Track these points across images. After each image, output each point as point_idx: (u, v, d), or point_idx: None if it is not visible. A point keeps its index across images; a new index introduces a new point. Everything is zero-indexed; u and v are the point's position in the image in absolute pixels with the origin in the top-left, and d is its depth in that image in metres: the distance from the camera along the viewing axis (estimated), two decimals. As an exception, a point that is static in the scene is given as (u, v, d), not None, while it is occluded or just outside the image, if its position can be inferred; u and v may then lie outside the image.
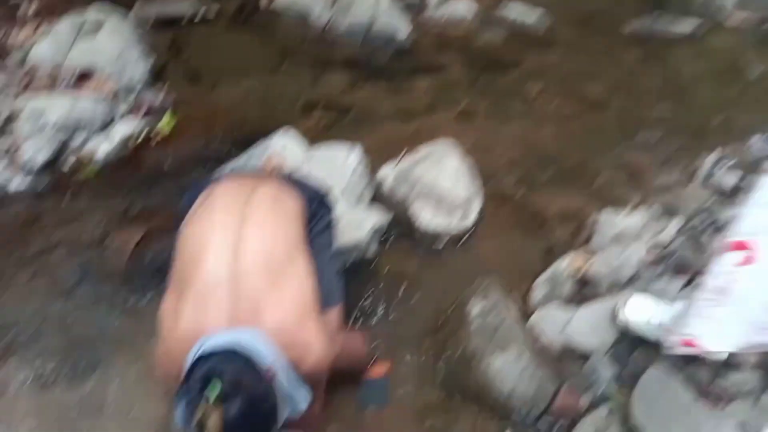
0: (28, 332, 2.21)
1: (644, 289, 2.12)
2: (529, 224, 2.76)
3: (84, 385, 2.05)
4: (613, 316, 2.05)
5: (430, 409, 2.09)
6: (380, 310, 2.38)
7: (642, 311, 1.97)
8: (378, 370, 2.16)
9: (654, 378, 1.88)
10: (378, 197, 2.74)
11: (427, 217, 2.59)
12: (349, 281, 2.40)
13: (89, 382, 2.07)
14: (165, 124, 3.15)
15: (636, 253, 2.31)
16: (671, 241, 2.43)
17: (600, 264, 2.33)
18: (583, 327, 2.09)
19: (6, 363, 2.11)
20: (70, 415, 1.98)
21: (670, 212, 2.61)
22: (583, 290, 2.29)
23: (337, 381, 1.83)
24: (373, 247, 2.47)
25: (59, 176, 2.86)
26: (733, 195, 2.66)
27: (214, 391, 1.27)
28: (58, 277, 2.42)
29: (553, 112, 3.45)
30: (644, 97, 3.56)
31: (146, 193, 2.79)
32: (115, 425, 1.95)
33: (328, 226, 1.83)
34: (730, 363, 1.86)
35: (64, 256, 2.51)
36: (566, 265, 2.37)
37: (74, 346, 2.18)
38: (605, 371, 1.96)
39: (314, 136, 2.97)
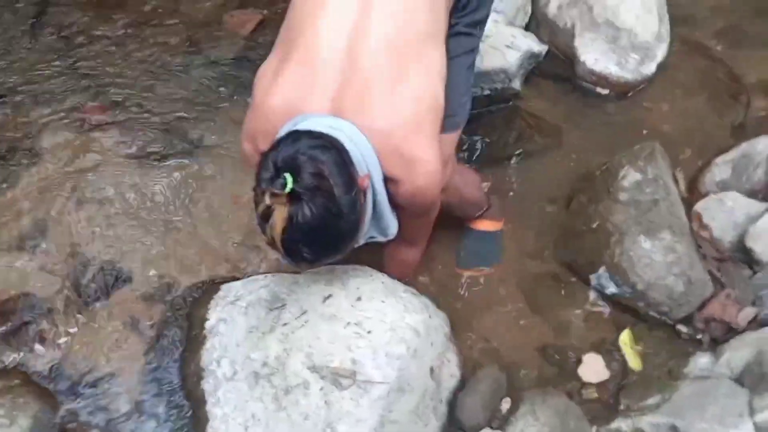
0: (131, 103, 2.07)
1: None
2: (722, 89, 2.16)
3: (177, 168, 1.91)
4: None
5: (539, 284, 1.76)
6: (508, 157, 1.99)
7: None
8: (489, 224, 1.84)
9: None
10: (537, 20, 2.22)
11: (595, 55, 2.06)
12: (480, 114, 2.04)
13: (184, 165, 1.92)
14: None
15: None
16: None
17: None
18: (769, 229, 1.61)
19: (107, 131, 2.00)
20: (164, 192, 1.86)
21: None
22: (780, 184, 1.77)
23: (437, 225, 1.53)
24: (518, 80, 2.03)
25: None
26: None
27: (291, 178, 1.01)
28: (168, 53, 2.22)
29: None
30: None
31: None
32: (201, 221, 1.82)
33: (477, 26, 1.39)
34: None
35: (177, 30, 2.29)
36: (765, 146, 1.82)
37: (175, 126, 2.03)
38: (784, 288, 1.53)
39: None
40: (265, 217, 1.04)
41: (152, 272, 1.69)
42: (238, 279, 1.60)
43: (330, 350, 1.31)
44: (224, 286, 1.55)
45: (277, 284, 1.47)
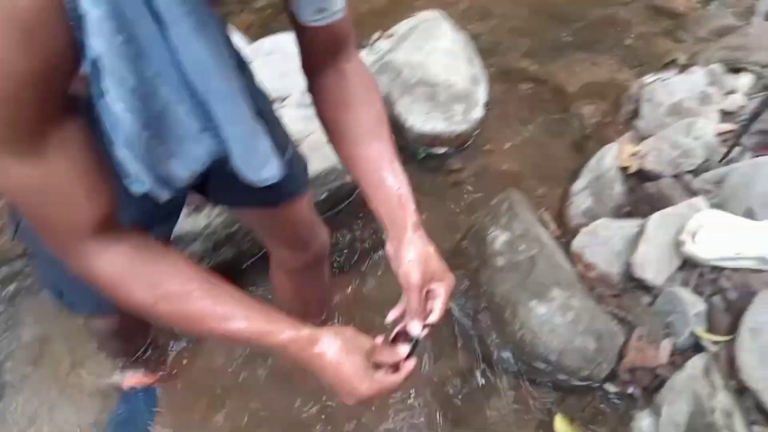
0: None
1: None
2: (550, 107, 2.13)
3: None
4: (677, 243, 1.47)
5: (455, 380, 1.56)
6: (364, 255, 1.79)
7: (720, 241, 1.39)
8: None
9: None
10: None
11: (419, 118, 1.93)
12: (326, 219, 1.82)
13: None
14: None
15: (704, 129, 1.69)
16: (744, 107, 1.82)
17: (657, 152, 1.72)
18: (650, 249, 1.51)
19: None
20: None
21: (732, 66, 1.97)
22: (639, 191, 1.70)
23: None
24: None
25: None
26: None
27: None
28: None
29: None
30: None
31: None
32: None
33: None
34: None
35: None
36: (611, 160, 1.76)
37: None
38: (689, 307, 1.41)
39: (256, 32, 2.25)
40: None
41: None
42: None
43: None
44: None
45: None
